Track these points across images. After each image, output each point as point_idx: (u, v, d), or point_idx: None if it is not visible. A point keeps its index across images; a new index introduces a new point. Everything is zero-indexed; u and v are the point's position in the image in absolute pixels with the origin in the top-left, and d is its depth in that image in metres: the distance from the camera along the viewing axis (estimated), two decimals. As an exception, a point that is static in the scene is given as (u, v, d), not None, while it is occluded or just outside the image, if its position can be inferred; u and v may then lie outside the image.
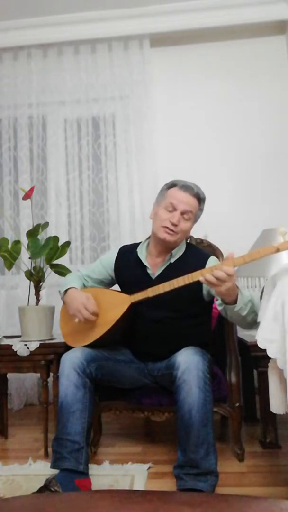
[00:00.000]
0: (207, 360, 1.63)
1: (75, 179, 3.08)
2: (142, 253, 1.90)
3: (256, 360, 2.00)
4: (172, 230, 1.78)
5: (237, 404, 1.91)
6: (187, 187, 1.81)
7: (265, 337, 1.40)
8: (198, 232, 2.26)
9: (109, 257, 2.00)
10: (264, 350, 1.39)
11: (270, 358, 1.43)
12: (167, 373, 1.71)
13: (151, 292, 1.73)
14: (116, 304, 1.79)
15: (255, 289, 2.37)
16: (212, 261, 1.84)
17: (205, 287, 1.81)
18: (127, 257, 1.95)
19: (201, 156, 3.09)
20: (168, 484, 1.67)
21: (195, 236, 2.29)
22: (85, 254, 3.02)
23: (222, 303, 1.68)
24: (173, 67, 3.18)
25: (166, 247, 1.86)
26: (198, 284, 1.75)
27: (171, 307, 1.82)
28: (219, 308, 1.75)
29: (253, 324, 1.68)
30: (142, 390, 1.93)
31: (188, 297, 1.80)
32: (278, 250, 1.53)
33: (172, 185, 1.85)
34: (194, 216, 1.84)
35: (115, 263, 1.97)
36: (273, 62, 3.11)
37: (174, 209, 1.79)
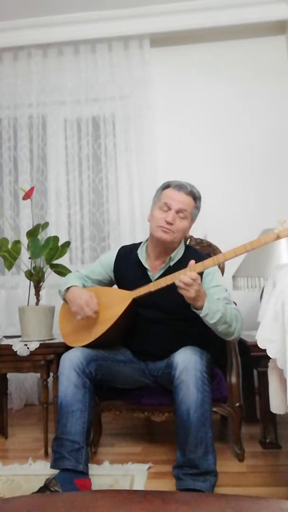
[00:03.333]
0: (205, 360, 1.63)
1: (75, 179, 3.08)
2: (142, 254, 1.90)
3: (256, 360, 2.00)
4: (168, 229, 1.78)
5: (237, 404, 1.91)
6: (180, 186, 1.82)
7: (265, 337, 1.40)
8: (198, 232, 2.27)
9: (109, 258, 2.00)
10: (264, 350, 1.40)
11: (270, 358, 1.43)
12: (167, 373, 1.71)
13: (153, 286, 1.74)
14: (118, 301, 1.80)
15: (255, 289, 2.38)
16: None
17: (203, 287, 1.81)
18: (127, 257, 1.95)
19: (201, 156, 3.09)
20: (168, 484, 1.67)
21: (195, 236, 2.29)
22: (85, 254, 3.02)
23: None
24: (173, 67, 3.18)
25: (164, 248, 1.86)
26: None
27: (169, 308, 1.82)
28: None
29: (229, 335, 1.71)
30: (142, 390, 1.93)
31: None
32: (278, 237, 1.55)
33: (166, 186, 1.86)
34: (190, 214, 1.84)
35: (114, 264, 1.97)
36: (273, 62, 3.11)
37: (169, 209, 1.79)
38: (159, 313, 1.83)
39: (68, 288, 1.89)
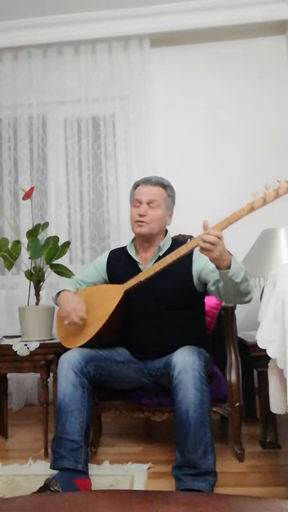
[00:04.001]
0: (203, 360, 1.63)
1: (75, 179, 3.08)
2: (131, 250, 1.98)
3: (256, 360, 2.00)
4: (142, 221, 1.86)
5: (237, 404, 1.91)
6: (146, 181, 1.93)
7: (265, 337, 1.40)
8: (198, 232, 2.26)
9: (101, 260, 2.08)
10: (264, 350, 1.40)
11: (270, 358, 1.43)
12: (166, 373, 1.71)
13: (142, 275, 1.78)
14: (110, 296, 1.83)
15: (255, 289, 2.38)
16: (198, 251, 1.86)
17: (194, 273, 1.85)
18: (118, 256, 2.02)
19: (201, 156, 3.09)
20: (168, 484, 1.67)
21: (195, 236, 2.29)
22: (85, 254, 3.02)
23: (215, 283, 1.72)
24: (173, 67, 3.18)
25: (148, 241, 1.93)
26: (188, 271, 1.85)
27: (164, 299, 1.85)
28: (212, 289, 1.76)
29: (247, 294, 1.68)
30: (142, 390, 1.93)
31: (180, 286, 1.85)
32: (252, 208, 1.57)
33: (136, 185, 1.97)
34: (163, 202, 1.90)
35: (107, 264, 2.03)
36: (273, 62, 3.11)
37: (140, 203, 1.89)
38: (154, 304, 1.85)
39: (59, 293, 1.94)
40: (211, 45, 3.16)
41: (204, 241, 1.50)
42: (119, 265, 1.98)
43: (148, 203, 1.87)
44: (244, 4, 2.98)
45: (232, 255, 1.60)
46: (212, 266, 1.71)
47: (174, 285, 1.84)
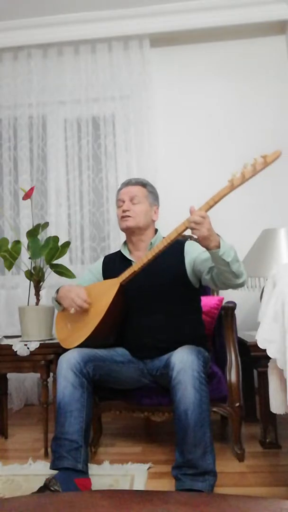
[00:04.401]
0: (202, 359, 1.63)
1: (75, 179, 3.08)
2: (125, 251, 2.02)
3: (256, 360, 2.00)
4: (126, 215, 1.93)
5: (237, 404, 1.91)
6: (126, 183, 2.02)
7: (265, 337, 1.40)
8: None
9: (96, 264, 2.12)
10: (264, 350, 1.40)
11: (270, 358, 1.43)
12: (165, 373, 1.71)
13: (136, 266, 1.80)
14: (106, 291, 1.84)
15: (255, 289, 2.38)
16: (189, 243, 1.95)
17: (188, 264, 1.87)
18: (113, 259, 2.06)
19: (200, 156, 3.09)
20: (168, 484, 1.67)
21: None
22: (85, 254, 3.02)
23: (209, 272, 1.73)
24: (173, 67, 3.18)
25: (137, 236, 1.98)
26: (181, 263, 1.88)
27: (160, 295, 1.87)
28: (207, 277, 1.77)
29: (240, 276, 1.68)
30: (142, 390, 1.94)
31: (176, 282, 1.87)
32: (232, 185, 1.60)
33: (118, 189, 2.05)
34: (144, 198, 1.96)
35: (102, 269, 2.07)
36: (273, 62, 3.11)
37: (123, 201, 1.97)
38: (149, 300, 1.87)
39: (58, 289, 1.97)
40: (211, 45, 3.16)
41: (190, 222, 1.57)
42: (114, 267, 1.99)
43: (130, 199, 1.95)
44: (244, 4, 2.98)
45: (220, 236, 1.64)
46: (204, 255, 1.77)
47: (169, 280, 1.87)
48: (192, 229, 1.57)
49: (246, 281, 1.76)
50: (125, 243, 2.06)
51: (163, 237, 1.98)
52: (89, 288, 1.95)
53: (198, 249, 1.85)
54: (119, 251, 2.06)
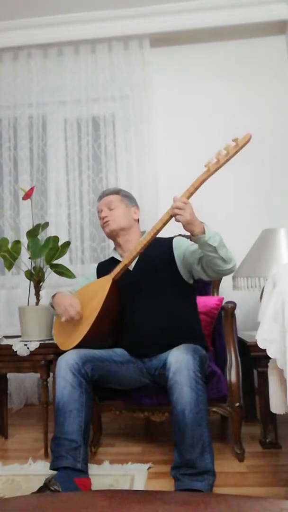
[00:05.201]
0: (198, 359, 1.62)
1: (75, 179, 3.08)
2: (116, 255, 2.09)
3: (256, 360, 2.00)
4: (106, 221, 2.02)
5: (237, 404, 1.91)
6: (101, 195, 2.11)
7: (265, 337, 1.40)
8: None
9: (91, 270, 2.18)
10: (264, 350, 1.40)
11: (270, 358, 1.43)
12: (164, 373, 1.71)
13: (126, 259, 1.86)
14: (99, 288, 1.88)
15: (255, 289, 2.38)
16: (177, 239, 1.99)
17: (177, 258, 1.91)
18: (106, 264, 2.10)
19: (201, 156, 3.08)
20: (168, 484, 1.67)
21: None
22: (85, 254, 3.02)
23: (199, 262, 1.78)
24: (173, 67, 3.18)
25: (122, 238, 2.03)
26: (173, 263, 1.92)
27: (153, 291, 1.90)
28: (198, 268, 1.80)
29: (229, 261, 1.72)
30: (142, 390, 1.94)
31: (168, 278, 1.91)
32: (209, 170, 1.71)
33: (97, 205, 2.13)
34: (119, 202, 2.04)
35: (97, 273, 2.11)
36: (273, 62, 3.11)
37: (101, 211, 2.06)
38: (143, 298, 1.90)
39: (54, 295, 2.00)
40: (211, 45, 3.16)
41: (173, 208, 1.64)
42: (108, 270, 2.00)
43: (107, 207, 2.04)
44: (244, 4, 2.98)
45: (204, 223, 1.68)
46: (192, 247, 1.82)
47: (161, 276, 1.91)
48: (175, 215, 1.64)
49: (235, 267, 1.79)
50: (114, 248, 2.12)
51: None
52: (82, 289, 1.98)
53: (186, 243, 1.92)
54: (112, 257, 2.12)
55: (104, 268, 2.08)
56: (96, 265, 2.18)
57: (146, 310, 1.89)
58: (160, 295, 1.90)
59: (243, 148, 1.77)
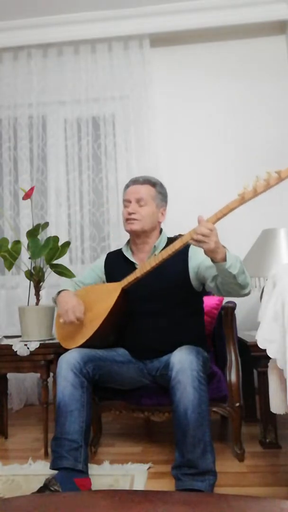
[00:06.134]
0: (201, 359, 1.63)
1: (75, 179, 3.08)
2: (127, 252, 1.99)
3: (256, 360, 2.00)
4: (132, 218, 1.88)
5: (237, 404, 1.91)
6: (134, 180, 1.95)
7: (265, 337, 1.40)
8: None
9: (98, 262, 2.10)
10: (264, 350, 1.39)
11: (270, 358, 1.43)
12: (165, 373, 1.72)
13: (139, 271, 1.78)
14: (108, 294, 1.84)
15: (255, 289, 2.38)
16: (193, 249, 1.88)
17: (191, 270, 1.85)
18: (115, 259, 2.03)
19: (201, 156, 3.09)
20: (168, 484, 1.67)
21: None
22: (85, 254, 3.02)
23: (214, 280, 1.72)
24: (173, 67, 3.18)
25: (141, 239, 1.94)
26: (184, 269, 1.85)
27: (162, 298, 1.85)
28: (211, 285, 1.76)
29: (245, 287, 1.68)
30: (142, 390, 1.93)
31: (178, 286, 1.85)
32: (243, 199, 1.58)
33: (125, 186, 1.99)
34: (151, 200, 1.91)
35: (104, 267, 2.05)
36: (273, 62, 3.11)
37: (129, 202, 1.91)
38: (151, 304, 1.86)
39: (60, 293, 1.96)
40: (211, 45, 3.16)
41: (197, 233, 1.52)
42: (116, 267, 1.98)
43: (137, 201, 1.90)
44: (244, 4, 2.98)
45: (226, 248, 1.61)
46: (209, 262, 1.71)
47: (171, 283, 1.85)
48: (198, 241, 1.53)
49: (250, 292, 1.74)
50: (128, 242, 2.03)
51: (168, 238, 1.97)
52: (89, 289, 1.95)
53: (202, 254, 1.78)
54: (122, 252, 2.03)
55: (113, 262, 2.02)
56: (104, 257, 2.09)
57: (152, 315, 1.86)
58: (168, 302, 1.86)
59: (284, 180, 1.61)
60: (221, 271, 1.61)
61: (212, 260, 1.60)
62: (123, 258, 1.99)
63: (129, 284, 1.81)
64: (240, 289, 1.67)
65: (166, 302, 1.86)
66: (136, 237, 1.95)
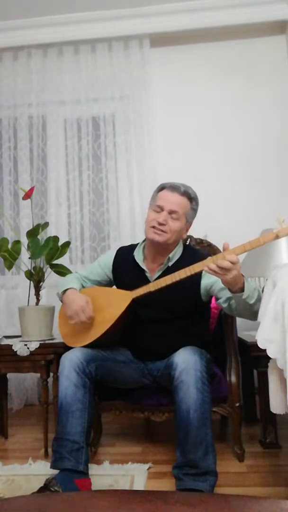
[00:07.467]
0: (205, 360, 1.63)
1: (75, 179, 3.08)
2: (139, 256, 1.90)
3: (256, 360, 2.00)
4: (160, 230, 1.76)
5: (237, 404, 1.91)
6: (174, 187, 1.80)
7: (265, 337, 1.40)
8: (198, 232, 2.27)
9: (107, 258, 2.00)
10: (264, 350, 1.39)
11: (270, 358, 1.43)
12: (166, 373, 1.71)
13: (152, 286, 1.72)
14: (117, 301, 1.80)
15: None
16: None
17: (203, 287, 1.80)
18: (125, 258, 1.94)
19: (201, 156, 3.09)
20: (168, 484, 1.67)
21: (195, 236, 2.29)
22: (85, 254, 3.02)
23: (227, 300, 1.69)
24: (173, 67, 3.18)
25: (159, 249, 1.84)
26: (195, 284, 1.79)
27: (168, 308, 1.82)
28: (224, 305, 1.73)
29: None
30: (142, 390, 1.94)
31: (186, 296, 1.80)
32: (277, 237, 1.53)
33: (161, 188, 1.85)
34: (184, 215, 1.80)
35: (113, 264, 1.97)
36: (273, 62, 3.11)
37: (162, 210, 1.78)
38: (158, 312, 1.83)
39: (65, 291, 1.88)
40: (211, 45, 3.16)
41: (219, 266, 1.48)
42: (125, 269, 1.92)
43: (170, 212, 1.77)
44: (244, 4, 2.98)
45: (244, 276, 1.57)
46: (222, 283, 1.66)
47: (180, 296, 1.78)
48: (216, 272, 1.49)
49: None
50: (141, 244, 1.93)
51: (184, 246, 1.90)
52: (98, 292, 1.89)
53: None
54: (133, 250, 1.93)
55: (122, 262, 1.93)
56: (114, 253, 2.00)
57: (156, 323, 1.83)
58: (174, 312, 1.82)
59: None
60: (238, 300, 1.60)
61: (230, 290, 1.58)
62: (133, 260, 1.89)
63: (140, 296, 1.76)
64: (255, 315, 1.61)
65: (174, 313, 1.82)
66: (156, 248, 1.84)
